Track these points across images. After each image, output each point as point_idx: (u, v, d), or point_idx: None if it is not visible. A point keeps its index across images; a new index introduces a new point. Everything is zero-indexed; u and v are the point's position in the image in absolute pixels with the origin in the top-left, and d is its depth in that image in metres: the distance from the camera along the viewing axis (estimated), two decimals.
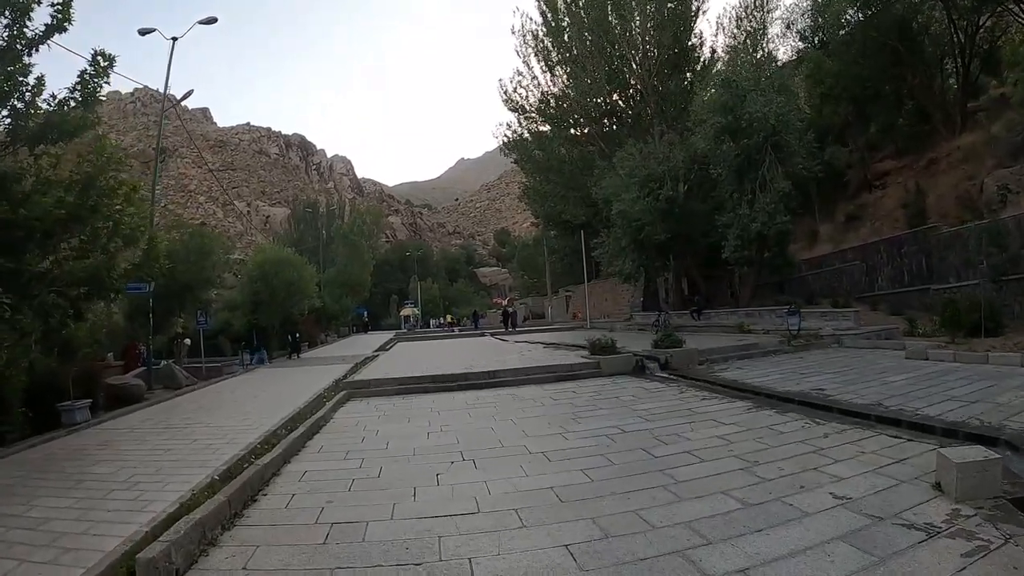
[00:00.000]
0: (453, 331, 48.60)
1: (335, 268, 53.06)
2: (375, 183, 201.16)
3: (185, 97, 19.88)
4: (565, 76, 36.63)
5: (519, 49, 40.83)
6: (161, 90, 19.62)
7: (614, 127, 35.17)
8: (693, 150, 25.89)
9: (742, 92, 21.25)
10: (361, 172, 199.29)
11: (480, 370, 14.17)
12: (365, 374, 15.72)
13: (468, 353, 21.78)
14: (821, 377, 11.48)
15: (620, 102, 34.15)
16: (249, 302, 28.40)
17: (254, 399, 13.49)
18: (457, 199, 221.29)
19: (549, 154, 37.65)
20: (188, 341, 22.38)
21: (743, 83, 21.35)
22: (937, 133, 32.80)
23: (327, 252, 58.66)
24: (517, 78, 38.56)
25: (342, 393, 12.47)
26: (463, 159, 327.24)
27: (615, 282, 47.16)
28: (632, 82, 31.55)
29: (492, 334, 37.63)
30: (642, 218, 24.72)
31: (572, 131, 37.05)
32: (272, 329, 28.89)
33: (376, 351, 27.37)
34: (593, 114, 34.56)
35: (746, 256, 23.73)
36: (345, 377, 15.59)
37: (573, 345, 20.88)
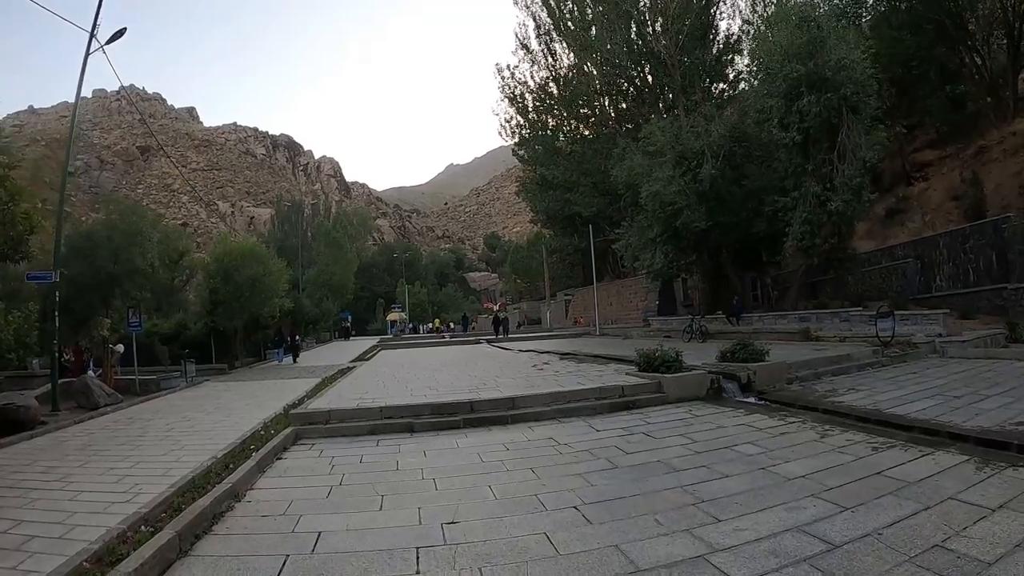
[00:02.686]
0: (444, 336, 43.99)
1: (316, 269, 48.54)
2: (363, 186, 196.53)
3: (115, 38, 15.62)
4: (573, 53, 32.90)
5: (518, 30, 37.23)
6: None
7: (628, 106, 31.11)
8: (731, 124, 21.93)
9: (823, 34, 17.08)
10: (349, 176, 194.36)
11: (494, 395, 9.87)
12: (330, 397, 11.28)
13: (467, 365, 17.55)
14: (994, 403, 8.23)
15: (637, 79, 30.04)
16: (207, 302, 24.00)
17: (165, 436, 9.27)
18: (446, 203, 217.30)
19: (555, 138, 33.57)
20: (121, 347, 18.06)
21: (823, 22, 17.19)
22: (985, 118, 29.51)
23: (309, 252, 54.18)
24: (520, 51, 34.77)
25: (288, 431, 8.23)
26: (452, 164, 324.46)
27: (621, 284, 43.17)
28: (656, 51, 27.38)
29: (488, 341, 33.33)
30: (678, 201, 20.52)
31: (583, 111, 32.86)
32: (233, 334, 24.49)
33: (354, 360, 23.09)
34: (610, 91, 30.50)
35: (816, 246, 19.60)
36: (302, 401, 11.34)
37: (599, 356, 16.73)
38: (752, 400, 9.99)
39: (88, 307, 15.89)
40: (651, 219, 21.91)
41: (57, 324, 13.77)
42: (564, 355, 18.51)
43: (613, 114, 31.04)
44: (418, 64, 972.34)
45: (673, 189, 20.42)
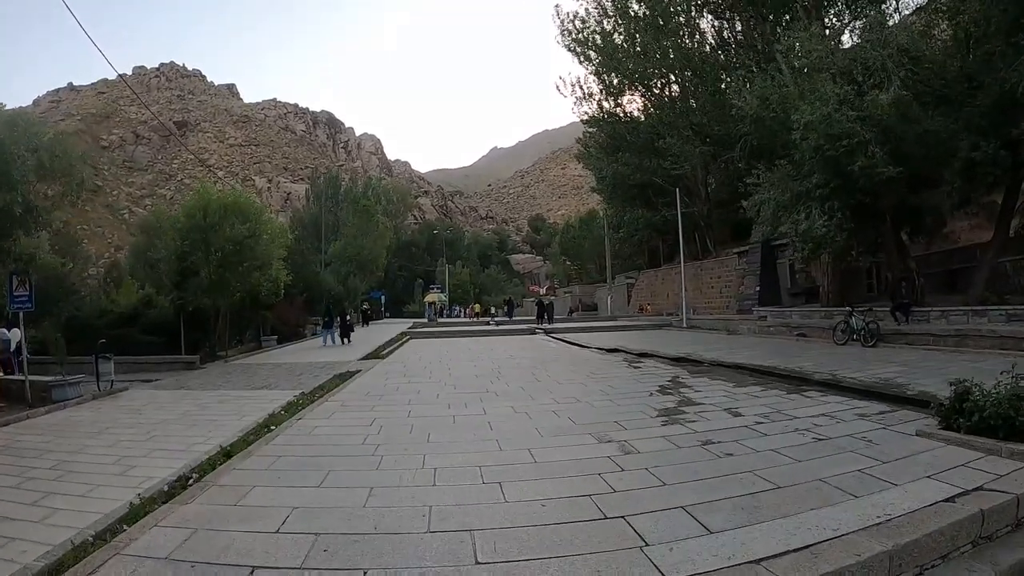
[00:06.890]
0: (489, 324, 37.28)
1: (342, 241, 42.31)
2: (405, 164, 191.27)
3: None
4: None
5: None
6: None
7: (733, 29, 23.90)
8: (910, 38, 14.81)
9: None
10: (391, 155, 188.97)
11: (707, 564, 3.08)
12: (238, 493, 4.78)
13: (535, 377, 10.99)
14: None
15: None
16: (174, 272, 17.97)
17: None
18: (490, 185, 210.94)
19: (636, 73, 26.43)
20: (17, 333, 12.12)
21: None
22: None
23: (337, 225, 48.12)
24: None
25: None
26: (496, 148, 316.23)
27: (699, 266, 35.79)
28: None
29: (546, 331, 26.69)
30: (857, 133, 13.39)
31: (680, 36, 25.45)
32: (214, 315, 18.49)
33: (367, 356, 16.67)
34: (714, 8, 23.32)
35: None
36: (178, 488, 4.91)
37: (751, 369, 10.03)
38: None
39: None
40: (808, 162, 14.76)
41: None
42: (679, 362, 11.89)
43: (722, 37, 23.77)
44: (462, 47, 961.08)
45: (849, 114, 13.34)
